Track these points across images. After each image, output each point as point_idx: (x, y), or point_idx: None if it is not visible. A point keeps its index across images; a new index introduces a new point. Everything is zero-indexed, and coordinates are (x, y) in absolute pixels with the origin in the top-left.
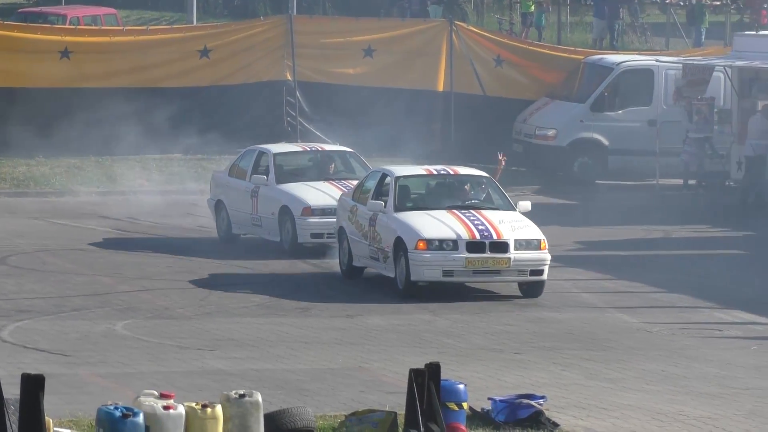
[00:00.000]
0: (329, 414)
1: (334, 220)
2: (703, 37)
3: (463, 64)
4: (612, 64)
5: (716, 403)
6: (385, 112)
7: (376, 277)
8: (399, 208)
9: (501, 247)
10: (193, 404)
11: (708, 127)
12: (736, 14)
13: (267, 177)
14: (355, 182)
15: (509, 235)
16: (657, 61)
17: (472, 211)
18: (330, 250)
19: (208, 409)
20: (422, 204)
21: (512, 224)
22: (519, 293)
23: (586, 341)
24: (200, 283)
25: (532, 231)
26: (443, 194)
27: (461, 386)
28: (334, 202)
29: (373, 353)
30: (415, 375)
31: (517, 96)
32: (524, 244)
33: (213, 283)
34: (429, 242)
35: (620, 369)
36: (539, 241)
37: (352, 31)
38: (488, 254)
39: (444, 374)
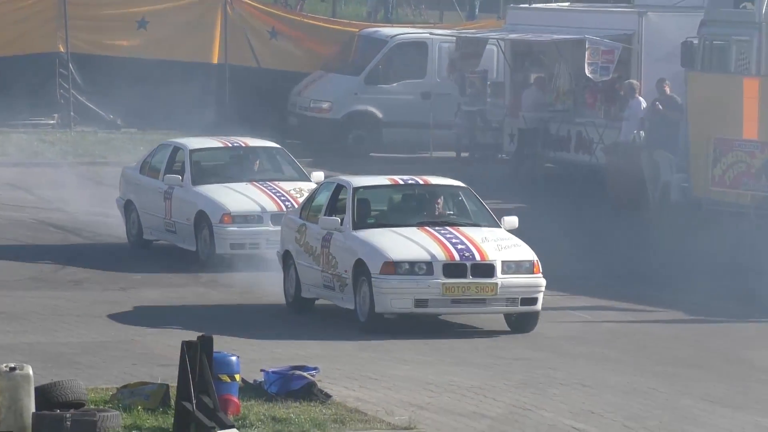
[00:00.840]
0: (101, 387)
1: (258, 228)
2: (477, 10)
3: (238, 37)
4: (386, 36)
5: (488, 374)
6: (160, 85)
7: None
8: (359, 225)
9: (486, 270)
10: None
11: (481, 100)
12: None
13: (182, 177)
14: (283, 184)
15: (495, 256)
16: (431, 34)
17: (448, 227)
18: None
19: None
20: (387, 220)
21: (498, 243)
22: (507, 327)
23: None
24: None
25: (522, 251)
26: (412, 208)
27: (234, 358)
28: (257, 208)
29: (146, 326)
30: (187, 347)
31: (292, 68)
32: (513, 267)
33: None
34: (397, 265)
35: (392, 340)
36: (531, 263)
37: (125, 2)
38: (470, 279)
39: (217, 346)
